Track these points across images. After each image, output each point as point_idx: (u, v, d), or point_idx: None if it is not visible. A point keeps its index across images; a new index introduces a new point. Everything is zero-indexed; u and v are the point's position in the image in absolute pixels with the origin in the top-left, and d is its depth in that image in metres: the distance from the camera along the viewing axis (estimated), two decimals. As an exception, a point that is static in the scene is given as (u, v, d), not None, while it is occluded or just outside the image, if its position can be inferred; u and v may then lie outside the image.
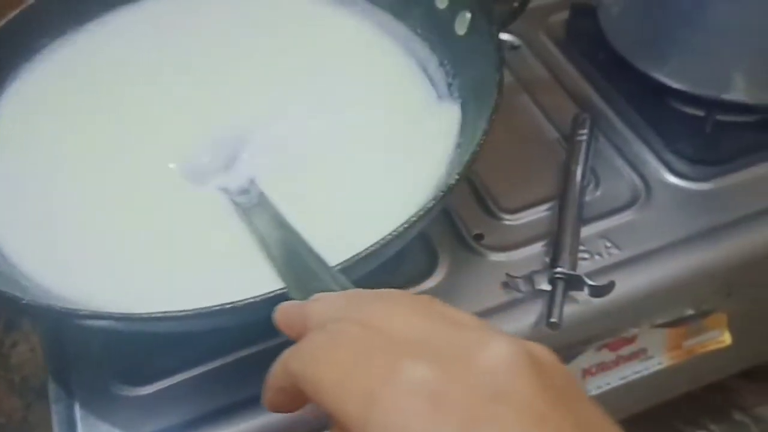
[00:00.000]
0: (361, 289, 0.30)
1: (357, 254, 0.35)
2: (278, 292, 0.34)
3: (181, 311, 0.34)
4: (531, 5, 0.66)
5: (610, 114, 0.58)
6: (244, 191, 0.44)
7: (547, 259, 0.48)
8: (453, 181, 0.37)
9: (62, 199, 0.45)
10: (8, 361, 0.77)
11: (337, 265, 0.35)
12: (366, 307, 0.26)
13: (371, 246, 0.35)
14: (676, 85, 0.54)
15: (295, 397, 0.26)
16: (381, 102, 0.49)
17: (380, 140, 0.47)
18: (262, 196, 0.43)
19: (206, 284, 0.39)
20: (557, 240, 0.48)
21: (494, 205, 0.53)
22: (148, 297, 0.38)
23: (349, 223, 0.41)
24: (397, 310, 0.26)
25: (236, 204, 0.43)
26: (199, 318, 0.34)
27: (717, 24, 0.50)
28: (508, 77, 0.62)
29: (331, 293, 0.29)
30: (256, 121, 0.47)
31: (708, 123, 0.53)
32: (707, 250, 0.50)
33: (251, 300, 0.33)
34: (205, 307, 0.34)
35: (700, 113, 0.55)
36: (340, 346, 0.24)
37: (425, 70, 0.50)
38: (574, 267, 0.47)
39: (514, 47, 0.64)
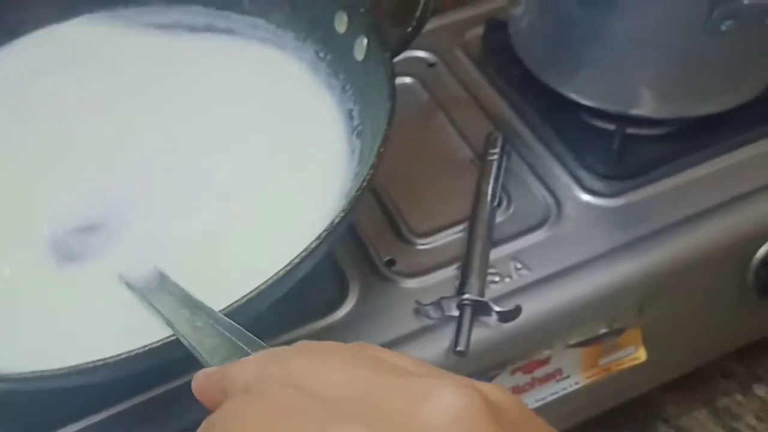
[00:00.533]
0: (286, 346, 0.26)
1: (244, 296, 0.34)
2: (156, 344, 0.32)
3: (58, 369, 0.32)
4: (447, 20, 0.68)
5: (524, 131, 0.58)
6: (141, 276, 0.40)
7: (458, 284, 0.48)
8: (337, 221, 0.36)
9: None
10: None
11: (227, 307, 0.34)
12: (292, 363, 0.23)
13: (254, 290, 0.34)
14: (583, 101, 0.54)
15: None
16: (283, 131, 0.47)
17: (281, 170, 0.46)
18: (162, 277, 0.40)
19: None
20: (465, 265, 0.48)
21: (406, 230, 0.52)
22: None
23: (244, 264, 0.40)
24: (326, 364, 0.23)
25: (134, 290, 0.40)
26: (82, 374, 0.33)
27: (619, 40, 0.50)
28: (423, 96, 0.61)
29: (250, 357, 0.26)
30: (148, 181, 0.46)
31: (616, 138, 0.53)
32: (619, 266, 0.50)
33: (124, 356, 0.32)
34: (83, 364, 0.32)
35: (611, 127, 0.55)
36: (265, 411, 0.22)
37: (330, 96, 0.49)
38: (481, 292, 0.46)
39: (430, 64, 0.64)
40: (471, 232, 0.49)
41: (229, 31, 0.53)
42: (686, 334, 0.56)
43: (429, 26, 0.65)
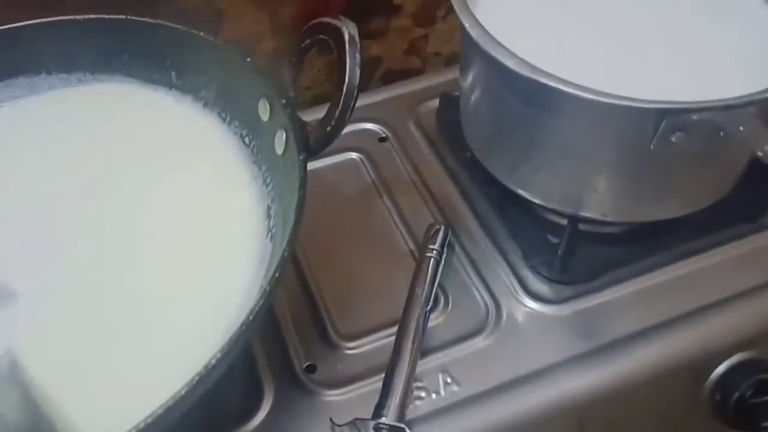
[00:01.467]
0: None
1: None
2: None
3: None
4: (402, 90, 0.64)
5: (471, 221, 0.54)
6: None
7: (375, 404, 0.43)
8: (232, 342, 0.32)
9: None
10: None
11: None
12: None
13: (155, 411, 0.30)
14: (529, 198, 0.50)
15: None
16: (198, 220, 0.44)
17: (190, 266, 0.42)
18: (13, 366, 0.35)
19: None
20: (386, 383, 0.43)
21: (332, 330, 0.48)
22: None
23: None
24: None
25: None
26: None
27: (564, 145, 0.46)
28: (369, 176, 0.58)
29: None
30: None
31: (564, 239, 0.49)
32: (560, 384, 0.46)
33: None
34: None
35: (563, 222, 0.51)
36: None
37: (252, 187, 0.45)
38: (400, 416, 0.42)
39: (381, 138, 0.60)
40: (398, 341, 0.45)
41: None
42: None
43: (383, 96, 0.64)
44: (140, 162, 0.48)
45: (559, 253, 0.48)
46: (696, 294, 0.50)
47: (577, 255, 0.50)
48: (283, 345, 0.47)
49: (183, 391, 0.30)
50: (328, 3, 0.66)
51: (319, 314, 0.49)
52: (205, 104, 0.49)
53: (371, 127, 0.61)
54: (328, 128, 0.40)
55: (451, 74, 0.63)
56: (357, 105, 0.62)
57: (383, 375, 0.45)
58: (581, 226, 0.51)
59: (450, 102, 0.59)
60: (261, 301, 0.33)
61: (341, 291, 0.50)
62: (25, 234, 0.43)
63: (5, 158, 0.48)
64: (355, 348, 0.47)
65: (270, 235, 0.42)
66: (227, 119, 0.48)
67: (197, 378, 0.31)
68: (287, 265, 0.36)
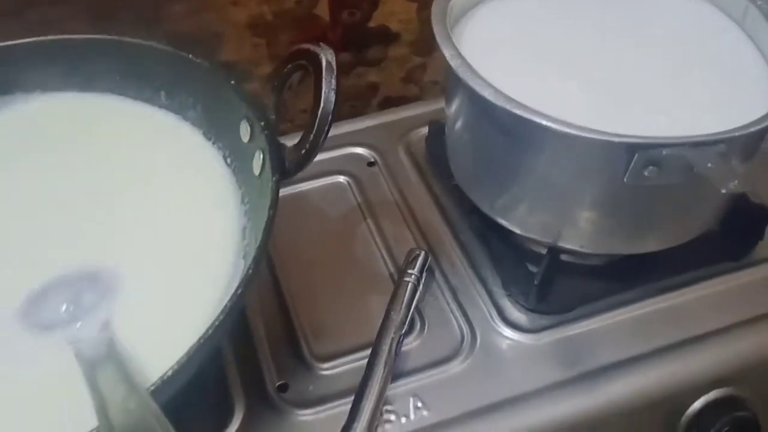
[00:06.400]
0: None
1: None
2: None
3: None
4: (393, 117, 0.65)
5: (453, 247, 0.54)
6: (92, 342, 0.36)
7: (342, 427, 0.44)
8: (191, 352, 0.33)
9: None
10: None
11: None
12: None
13: None
14: (509, 227, 0.50)
15: None
16: (177, 228, 0.45)
17: (165, 272, 0.43)
18: (111, 344, 0.36)
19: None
20: (355, 404, 0.44)
21: (307, 350, 0.48)
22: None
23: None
24: None
25: (80, 359, 0.36)
26: None
27: (541, 178, 0.46)
28: (354, 199, 0.58)
29: None
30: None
31: (541, 270, 0.49)
32: (531, 413, 0.46)
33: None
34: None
35: (543, 251, 0.51)
36: None
37: (230, 206, 0.46)
38: (366, 438, 0.42)
39: (369, 163, 0.61)
40: (370, 364, 0.45)
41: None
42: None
43: (374, 122, 0.65)
44: (124, 174, 0.48)
45: (536, 282, 0.48)
46: (674, 329, 0.49)
47: (555, 285, 0.50)
48: (256, 363, 0.48)
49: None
50: (326, 30, 0.68)
51: (295, 334, 0.49)
52: (192, 124, 0.50)
53: (361, 152, 0.62)
54: (303, 151, 0.41)
55: (441, 103, 0.64)
56: (349, 129, 0.65)
57: (350, 397, 0.45)
58: (562, 257, 0.51)
59: (438, 130, 0.59)
60: (221, 317, 0.34)
61: (318, 311, 0.50)
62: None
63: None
64: (329, 369, 0.47)
65: (243, 254, 0.43)
66: (212, 139, 0.49)
67: (152, 388, 0.32)
68: (252, 285, 0.36)
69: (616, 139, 0.40)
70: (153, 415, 0.31)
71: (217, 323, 0.34)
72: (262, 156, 0.43)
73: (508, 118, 0.43)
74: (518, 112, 0.42)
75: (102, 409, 0.32)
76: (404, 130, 0.63)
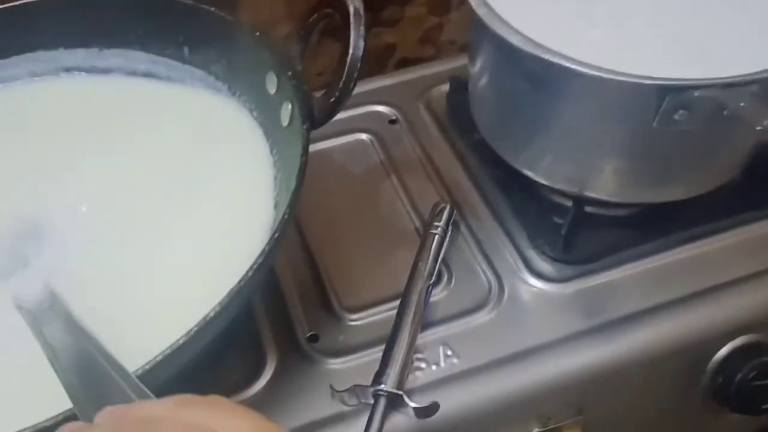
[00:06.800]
0: (133, 410, 0.28)
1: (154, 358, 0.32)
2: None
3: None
4: (413, 75, 0.65)
5: (478, 201, 0.54)
6: (34, 295, 0.39)
7: (375, 372, 0.44)
8: (232, 295, 0.33)
9: None
10: None
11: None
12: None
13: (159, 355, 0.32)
14: (536, 178, 0.50)
15: None
16: (211, 184, 0.45)
17: (201, 223, 0.44)
18: (53, 297, 0.38)
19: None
20: (387, 351, 0.44)
21: (336, 302, 0.49)
22: None
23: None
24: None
25: (22, 311, 0.39)
26: None
27: (570, 125, 0.46)
28: (378, 156, 0.58)
29: (105, 415, 0.27)
30: (57, 210, 0.44)
31: (568, 220, 0.49)
32: (559, 360, 0.46)
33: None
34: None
35: (568, 204, 0.51)
36: None
37: (261, 158, 0.46)
38: (399, 383, 0.42)
39: (391, 121, 0.61)
40: (400, 313, 0.46)
41: (168, 79, 0.52)
42: (631, 437, 0.52)
43: (394, 80, 0.65)
44: (149, 134, 0.49)
45: (563, 232, 0.48)
46: (699, 277, 0.50)
47: (581, 236, 0.50)
48: (286, 316, 0.48)
49: (181, 341, 0.32)
50: (343, -11, 0.67)
51: (324, 287, 0.49)
52: (216, 78, 0.50)
53: (382, 110, 0.61)
54: (332, 99, 0.41)
55: (461, 60, 0.63)
56: (369, 88, 0.65)
57: (384, 346, 0.46)
58: (587, 209, 0.51)
59: (459, 86, 0.59)
60: (260, 260, 0.34)
61: (346, 266, 0.51)
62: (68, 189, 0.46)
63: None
64: (358, 320, 0.48)
65: (275, 204, 0.43)
66: (236, 93, 0.49)
67: (196, 329, 0.32)
68: (288, 229, 0.37)
69: (648, 82, 0.40)
70: (105, 358, 0.32)
71: (255, 266, 0.34)
72: (290, 106, 0.43)
73: (537, 65, 0.43)
74: (548, 57, 0.42)
75: (53, 355, 0.33)
76: (424, 88, 0.63)
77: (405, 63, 0.75)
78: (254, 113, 0.48)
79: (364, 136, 0.60)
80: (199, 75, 0.50)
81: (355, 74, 0.41)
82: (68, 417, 0.31)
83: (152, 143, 0.48)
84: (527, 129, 0.48)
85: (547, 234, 0.51)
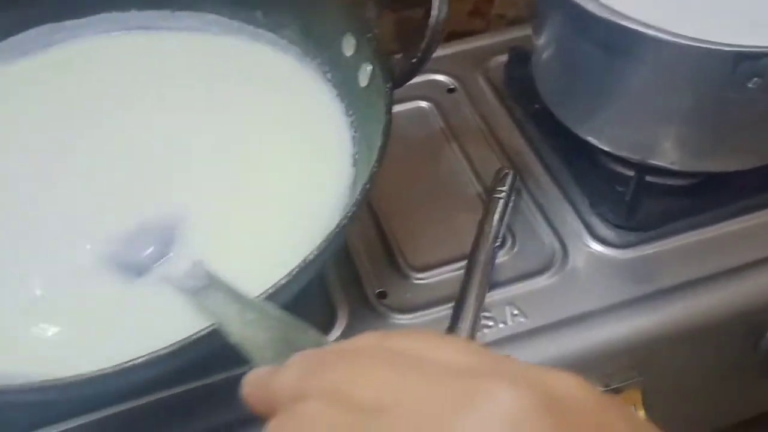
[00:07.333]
0: (329, 346, 0.27)
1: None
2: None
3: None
4: (471, 45, 0.66)
5: (539, 169, 0.55)
6: (190, 275, 0.39)
7: (447, 327, 0.45)
8: (311, 257, 0.34)
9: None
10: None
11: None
12: (330, 373, 0.23)
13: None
14: (600, 146, 0.51)
15: None
16: (289, 143, 0.46)
17: (281, 180, 0.45)
18: (209, 276, 0.38)
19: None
20: (457, 307, 0.45)
21: (403, 262, 0.50)
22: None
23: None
24: (365, 371, 0.22)
25: (183, 290, 0.39)
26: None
27: (640, 91, 0.47)
28: (438, 123, 0.60)
29: (297, 358, 0.26)
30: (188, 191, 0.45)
31: (631, 187, 0.50)
32: (622, 323, 0.47)
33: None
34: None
35: (630, 173, 0.52)
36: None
37: (335, 118, 0.47)
38: (471, 337, 0.44)
39: (449, 89, 0.62)
40: (468, 272, 0.47)
41: (240, 41, 0.52)
42: (689, 401, 0.53)
43: (452, 50, 0.65)
44: (223, 97, 0.50)
45: (627, 199, 0.49)
46: (759, 247, 0.50)
47: (643, 203, 0.51)
48: (355, 273, 0.49)
49: (283, 281, 0.33)
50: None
51: (390, 247, 0.51)
52: (289, 41, 0.51)
53: (440, 78, 0.62)
54: (413, 60, 0.42)
55: (515, 33, 0.65)
56: (426, 58, 0.65)
57: (451, 304, 0.47)
58: (648, 178, 0.52)
59: (519, 56, 0.60)
60: (353, 209, 0.36)
61: (411, 227, 0.52)
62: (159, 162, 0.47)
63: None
64: (424, 279, 0.49)
65: (354, 161, 0.44)
66: (310, 55, 0.50)
67: (297, 270, 0.34)
68: (375, 180, 0.38)
69: (726, 48, 0.41)
70: (274, 316, 0.32)
71: (349, 214, 0.36)
72: (370, 67, 0.44)
73: (612, 32, 0.44)
74: (626, 23, 0.42)
75: (219, 323, 0.34)
76: (481, 58, 0.64)
77: (454, 36, 0.76)
78: (328, 75, 0.48)
79: (423, 104, 0.60)
80: (272, 38, 0.51)
81: (438, 37, 0.42)
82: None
83: (234, 105, 0.49)
84: (595, 97, 0.49)
85: (609, 201, 0.52)
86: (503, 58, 0.63)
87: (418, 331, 0.24)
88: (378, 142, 0.39)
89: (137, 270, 0.42)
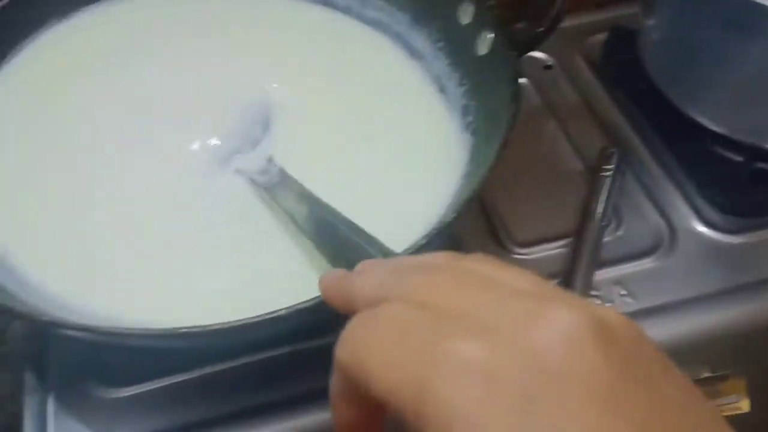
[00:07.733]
0: (403, 257, 0.29)
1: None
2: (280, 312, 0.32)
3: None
4: (569, 24, 0.64)
5: (642, 149, 0.54)
6: (263, 171, 0.41)
7: (554, 303, 0.45)
8: (449, 219, 0.34)
9: (62, 193, 0.43)
10: (4, 335, 0.76)
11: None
12: (408, 279, 0.25)
13: None
14: (712, 127, 0.50)
15: (360, 406, 0.25)
16: (394, 118, 0.46)
17: (388, 157, 0.44)
18: (282, 173, 0.40)
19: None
20: (567, 282, 0.45)
21: (506, 237, 0.49)
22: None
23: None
24: (441, 281, 0.24)
25: (257, 184, 0.41)
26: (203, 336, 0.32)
27: (761, 69, 0.46)
28: (536, 100, 0.58)
29: (372, 263, 0.28)
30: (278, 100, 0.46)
31: (745, 171, 0.49)
32: (730, 309, 0.46)
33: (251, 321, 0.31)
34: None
35: (739, 159, 0.51)
36: (385, 329, 0.23)
37: (443, 89, 0.47)
38: (581, 314, 0.43)
39: (546, 67, 0.61)
40: (576, 249, 0.47)
41: (346, 10, 0.52)
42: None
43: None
44: (331, 66, 0.50)
45: (742, 181, 0.48)
46: None
47: (755, 188, 0.50)
48: (457, 244, 0.49)
49: (423, 241, 0.33)
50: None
51: (492, 222, 0.50)
52: (399, 9, 0.50)
53: (537, 55, 0.61)
54: (540, 29, 0.41)
55: (618, 11, 0.64)
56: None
57: (557, 281, 0.46)
58: (758, 164, 0.51)
59: (621, 35, 0.59)
60: (493, 160, 0.35)
61: (513, 202, 0.51)
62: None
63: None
64: (528, 254, 0.48)
65: (470, 129, 0.44)
66: (421, 23, 0.49)
67: (435, 231, 0.34)
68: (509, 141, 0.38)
69: None
70: (342, 221, 0.33)
71: (482, 178, 0.35)
72: (491, 35, 0.43)
73: (736, 8, 0.43)
74: (759, -2, 0.41)
75: (293, 221, 0.36)
76: (577, 36, 0.62)
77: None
78: (439, 44, 0.48)
79: (521, 80, 0.59)
80: (379, 5, 0.50)
81: (565, 6, 0.41)
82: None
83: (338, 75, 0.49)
84: (713, 76, 0.48)
85: (718, 185, 0.50)
86: (601, 36, 0.62)
87: (486, 256, 0.25)
88: (504, 110, 0.38)
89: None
